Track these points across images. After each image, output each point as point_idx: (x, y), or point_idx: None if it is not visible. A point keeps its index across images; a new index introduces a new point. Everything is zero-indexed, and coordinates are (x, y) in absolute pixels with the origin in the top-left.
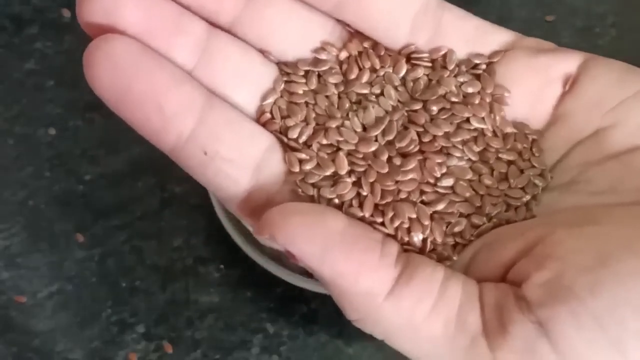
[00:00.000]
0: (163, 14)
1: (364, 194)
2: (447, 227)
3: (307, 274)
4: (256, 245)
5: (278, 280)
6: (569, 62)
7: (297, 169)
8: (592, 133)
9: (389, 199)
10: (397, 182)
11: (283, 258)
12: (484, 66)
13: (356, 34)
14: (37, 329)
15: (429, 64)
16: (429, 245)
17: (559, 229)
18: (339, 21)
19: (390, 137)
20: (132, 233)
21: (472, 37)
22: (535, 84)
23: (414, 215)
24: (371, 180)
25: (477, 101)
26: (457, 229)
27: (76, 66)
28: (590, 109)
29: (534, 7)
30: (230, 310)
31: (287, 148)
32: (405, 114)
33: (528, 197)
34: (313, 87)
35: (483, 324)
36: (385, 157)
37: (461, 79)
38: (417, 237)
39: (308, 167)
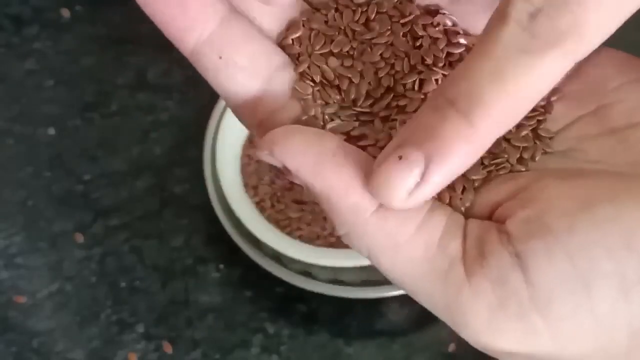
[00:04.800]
0: None
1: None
2: None
3: (307, 274)
4: (256, 245)
5: (278, 280)
6: None
7: (305, 90)
8: (593, 110)
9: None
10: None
11: (282, 258)
12: None
13: None
14: (36, 329)
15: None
16: None
17: (547, 178)
18: None
19: (399, 79)
20: (132, 233)
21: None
22: None
23: None
24: (382, 115)
25: None
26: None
27: (76, 66)
28: (593, 88)
29: None
30: (230, 310)
31: (300, 69)
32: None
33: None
34: (335, 23)
35: (463, 251)
36: (390, 96)
37: None
38: None
39: (316, 89)
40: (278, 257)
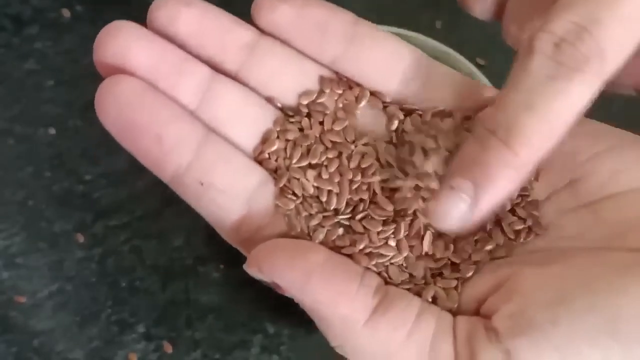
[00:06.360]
0: (170, 58)
1: (350, 227)
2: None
3: None
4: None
5: None
6: None
7: (288, 205)
8: (567, 184)
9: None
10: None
11: None
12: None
13: (351, 82)
14: (37, 329)
15: (420, 114)
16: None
17: (526, 267)
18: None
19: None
20: (132, 233)
21: (460, 92)
22: None
23: (400, 260)
24: (359, 217)
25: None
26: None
27: (76, 66)
28: (566, 161)
29: None
30: (230, 310)
31: (280, 184)
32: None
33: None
34: (311, 131)
35: (455, 352)
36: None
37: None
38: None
39: (298, 202)
40: None
